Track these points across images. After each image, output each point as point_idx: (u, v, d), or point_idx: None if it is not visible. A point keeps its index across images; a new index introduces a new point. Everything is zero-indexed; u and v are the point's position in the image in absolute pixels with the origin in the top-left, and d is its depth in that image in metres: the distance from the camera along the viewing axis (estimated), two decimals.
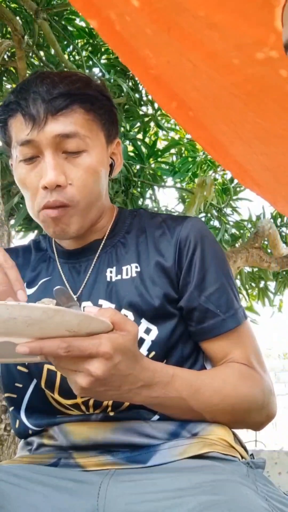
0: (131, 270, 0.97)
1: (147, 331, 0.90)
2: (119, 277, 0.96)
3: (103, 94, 0.98)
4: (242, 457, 0.88)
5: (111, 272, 0.98)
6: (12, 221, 3.74)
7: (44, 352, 0.66)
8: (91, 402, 0.87)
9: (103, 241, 1.01)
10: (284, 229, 4.60)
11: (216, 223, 4.35)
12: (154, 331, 0.90)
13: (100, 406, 0.86)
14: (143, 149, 3.75)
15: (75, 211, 0.92)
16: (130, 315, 0.91)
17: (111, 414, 0.86)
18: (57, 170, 0.90)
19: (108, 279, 0.97)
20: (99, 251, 1.00)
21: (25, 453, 0.94)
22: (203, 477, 0.73)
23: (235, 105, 0.98)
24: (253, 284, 5.05)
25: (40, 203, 0.91)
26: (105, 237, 1.02)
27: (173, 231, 0.98)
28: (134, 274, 0.96)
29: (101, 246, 1.01)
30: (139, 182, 3.83)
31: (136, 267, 0.97)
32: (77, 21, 3.61)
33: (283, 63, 0.93)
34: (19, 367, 0.95)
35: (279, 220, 4.55)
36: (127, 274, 0.96)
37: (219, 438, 0.87)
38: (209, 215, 4.28)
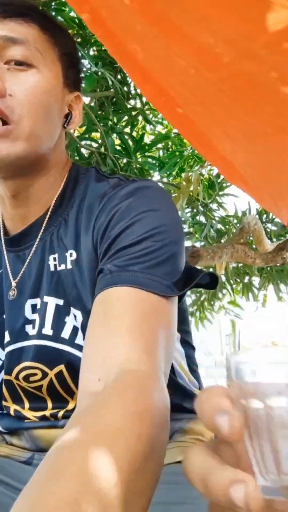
0: (69, 258, 0.78)
1: None
2: (62, 266, 0.79)
3: (67, 32, 0.84)
4: None
5: (54, 259, 0.80)
6: None
7: None
8: (60, 414, 0.82)
9: (47, 218, 0.83)
10: (269, 225, 4.62)
11: (202, 218, 4.36)
12: None
13: (69, 418, 0.84)
14: (130, 143, 3.74)
15: (18, 131, 0.74)
16: (79, 315, 0.77)
17: None
18: None
19: (52, 268, 0.79)
20: (41, 232, 0.82)
21: (1, 442, 0.93)
22: (182, 492, 0.65)
23: (223, 101, 0.98)
24: (238, 279, 5.09)
25: None
26: (49, 211, 0.83)
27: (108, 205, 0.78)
28: (69, 265, 0.78)
29: (43, 226, 0.82)
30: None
31: (71, 254, 0.78)
32: (67, 11, 3.57)
33: (273, 60, 0.93)
34: None
35: (264, 216, 4.58)
36: (69, 264, 0.79)
37: (196, 438, 0.80)
38: (194, 210, 4.29)
